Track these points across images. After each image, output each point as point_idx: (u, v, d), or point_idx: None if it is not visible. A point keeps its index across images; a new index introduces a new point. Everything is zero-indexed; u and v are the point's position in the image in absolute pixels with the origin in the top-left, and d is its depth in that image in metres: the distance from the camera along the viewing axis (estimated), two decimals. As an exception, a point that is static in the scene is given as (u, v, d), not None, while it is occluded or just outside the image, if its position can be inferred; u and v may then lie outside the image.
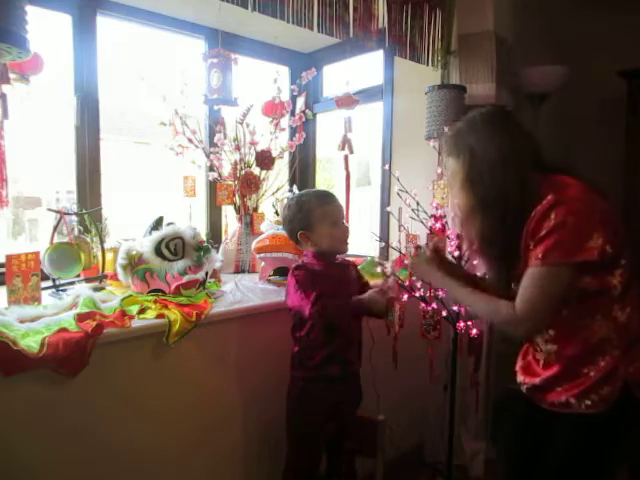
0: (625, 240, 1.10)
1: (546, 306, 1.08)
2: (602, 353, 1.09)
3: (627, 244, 1.10)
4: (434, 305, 1.81)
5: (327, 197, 1.51)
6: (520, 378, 1.26)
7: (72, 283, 1.63)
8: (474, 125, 1.19)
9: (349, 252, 1.61)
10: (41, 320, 1.25)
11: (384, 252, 2.44)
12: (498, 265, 1.21)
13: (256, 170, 2.18)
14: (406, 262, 1.46)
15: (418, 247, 1.44)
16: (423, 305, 1.82)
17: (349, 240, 1.54)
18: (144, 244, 1.56)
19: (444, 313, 1.81)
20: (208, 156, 2.17)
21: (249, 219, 2.20)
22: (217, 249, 2.01)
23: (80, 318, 1.25)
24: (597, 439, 1.11)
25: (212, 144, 2.20)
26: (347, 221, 2.14)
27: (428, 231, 1.83)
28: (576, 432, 1.12)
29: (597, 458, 1.13)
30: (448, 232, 1.80)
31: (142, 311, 1.38)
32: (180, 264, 1.56)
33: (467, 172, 1.16)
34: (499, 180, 1.11)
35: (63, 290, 1.57)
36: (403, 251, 1.92)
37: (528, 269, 1.09)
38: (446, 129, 1.27)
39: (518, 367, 1.28)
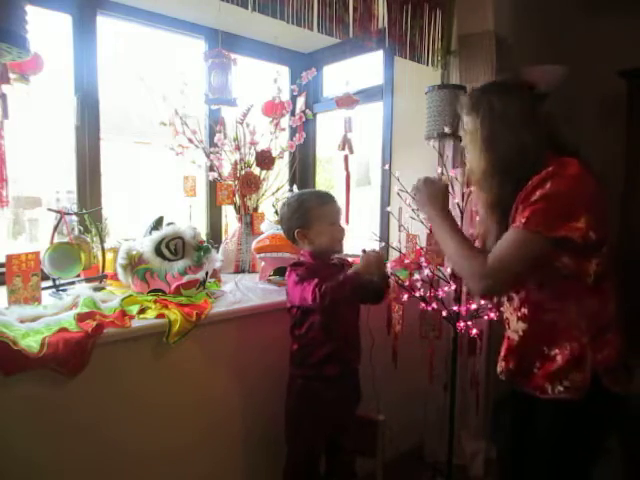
0: (609, 230, 1.11)
1: (512, 268, 1.08)
2: (569, 338, 1.10)
3: (610, 236, 1.11)
4: (434, 305, 1.81)
5: (326, 197, 1.53)
6: (499, 367, 1.27)
7: (72, 283, 1.63)
8: (497, 86, 1.19)
9: (348, 252, 1.61)
10: (41, 320, 1.25)
11: (384, 252, 2.44)
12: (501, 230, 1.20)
13: (256, 170, 2.18)
14: (415, 186, 1.35)
15: (428, 178, 1.36)
16: (423, 305, 1.82)
17: (344, 240, 1.54)
18: (144, 244, 1.56)
19: (444, 313, 1.81)
20: (208, 156, 2.17)
21: (249, 219, 2.20)
22: (217, 249, 2.01)
23: (80, 318, 1.25)
24: (574, 426, 1.13)
25: (212, 144, 2.20)
26: (347, 221, 2.15)
27: (428, 231, 1.83)
28: (554, 418, 1.14)
29: (575, 444, 1.15)
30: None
31: (142, 311, 1.38)
32: (180, 264, 1.56)
33: (487, 130, 1.15)
34: (521, 141, 1.10)
35: (63, 290, 1.57)
36: (403, 251, 1.92)
37: (509, 229, 1.09)
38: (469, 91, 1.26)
39: (500, 356, 1.28)
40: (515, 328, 1.19)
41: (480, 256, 1.12)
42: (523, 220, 1.05)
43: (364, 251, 1.42)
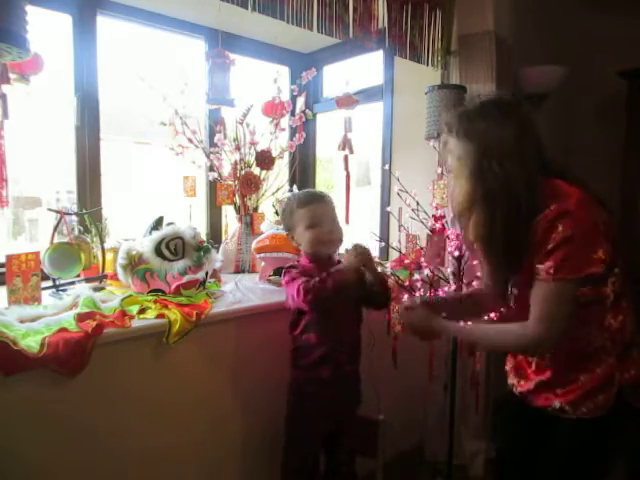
0: (619, 248, 1.09)
1: (563, 321, 1.05)
2: (597, 361, 1.08)
3: (620, 252, 1.09)
4: (434, 305, 1.80)
5: (310, 198, 1.48)
6: (512, 380, 1.26)
7: (72, 283, 1.63)
8: (485, 110, 1.12)
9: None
10: (41, 320, 1.25)
11: (384, 252, 2.44)
12: (497, 267, 1.17)
13: (256, 170, 2.18)
14: (400, 307, 1.39)
15: (408, 308, 1.33)
16: (423, 305, 1.82)
17: (337, 241, 1.49)
18: (144, 244, 1.56)
19: (444, 313, 1.80)
20: (208, 156, 2.17)
21: (249, 219, 2.20)
22: (217, 249, 2.01)
23: (80, 318, 1.25)
24: (593, 442, 1.12)
25: (212, 144, 2.20)
26: (347, 221, 2.15)
27: (428, 231, 1.83)
28: (572, 435, 1.13)
29: (593, 460, 1.14)
30: (448, 232, 1.80)
31: (142, 311, 1.38)
32: (180, 264, 1.56)
33: (477, 160, 1.09)
34: (507, 173, 1.06)
35: (63, 290, 1.57)
36: (403, 251, 1.92)
37: (537, 284, 1.06)
38: (449, 112, 1.19)
39: (509, 367, 1.27)
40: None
41: (512, 326, 1.11)
42: (552, 271, 1.02)
43: (347, 249, 1.41)
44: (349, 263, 1.38)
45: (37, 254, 1.42)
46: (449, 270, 1.84)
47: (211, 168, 2.19)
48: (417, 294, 1.82)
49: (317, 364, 1.43)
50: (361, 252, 1.39)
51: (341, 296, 1.36)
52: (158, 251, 1.55)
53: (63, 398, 1.20)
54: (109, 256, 1.75)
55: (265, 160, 2.16)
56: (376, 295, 1.49)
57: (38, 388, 1.16)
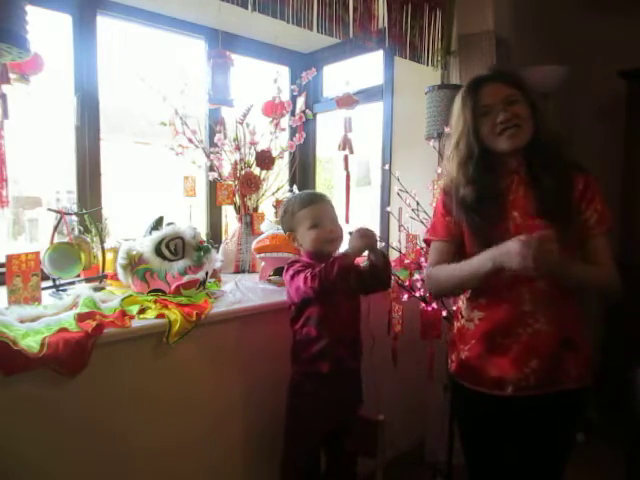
0: None
1: None
2: (583, 318, 1.28)
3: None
4: (434, 305, 1.81)
5: (310, 198, 1.52)
6: (521, 373, 1.21)
7: (72, 283, 1.63)
8: None
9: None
10: (41, 320, 1.25)
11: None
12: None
13: (256, 170, 2.18)
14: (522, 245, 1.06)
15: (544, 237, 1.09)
16: (423, 305, 1.82)
17: (338, 239, 1.51)
18: (144, 244, 1.56)
19: (444, 313, 1.81)
20: (208, 156, 2.17)
21: (249, 219, 2.20)
22: (217, 249, 2.01)
23: (80, 318, 1.24)
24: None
25: (212, 144, 2.20)
26: (347, 221, 2.15)
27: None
28: (579, 405, 1.26)
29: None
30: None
31: (142, 311, 1.38)
32: (180, 264, 1.56)
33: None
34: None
35: (63, 290, 1.57)
36: (403, 251, 1.92)
37: (601, 236, 1.22)
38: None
39: (516, 363, 1.22)
40: (546, 320, 1.19)
41: (605, 270, 1.21)
42: (608, 225, 1.20)
43: (350, 233, 1.43)
44: (354, 246, 1.39)
45: (37, 254, 1.42)
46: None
47: (211, 168, 2.19)
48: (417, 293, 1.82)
49: (316, 358, 1.44)
50: (365, 235, 1.40)
51: (346, 280, 1.39)
52: (158, 251, 1.55)
53: (63, 398, 1.20)
54: (109, 256, 1.75)
55: (265, 160, 2.16)
56: (380, 273, 1.49)
57: (38, 388, 1.15)
